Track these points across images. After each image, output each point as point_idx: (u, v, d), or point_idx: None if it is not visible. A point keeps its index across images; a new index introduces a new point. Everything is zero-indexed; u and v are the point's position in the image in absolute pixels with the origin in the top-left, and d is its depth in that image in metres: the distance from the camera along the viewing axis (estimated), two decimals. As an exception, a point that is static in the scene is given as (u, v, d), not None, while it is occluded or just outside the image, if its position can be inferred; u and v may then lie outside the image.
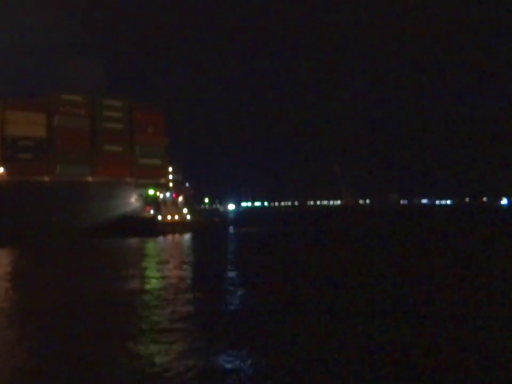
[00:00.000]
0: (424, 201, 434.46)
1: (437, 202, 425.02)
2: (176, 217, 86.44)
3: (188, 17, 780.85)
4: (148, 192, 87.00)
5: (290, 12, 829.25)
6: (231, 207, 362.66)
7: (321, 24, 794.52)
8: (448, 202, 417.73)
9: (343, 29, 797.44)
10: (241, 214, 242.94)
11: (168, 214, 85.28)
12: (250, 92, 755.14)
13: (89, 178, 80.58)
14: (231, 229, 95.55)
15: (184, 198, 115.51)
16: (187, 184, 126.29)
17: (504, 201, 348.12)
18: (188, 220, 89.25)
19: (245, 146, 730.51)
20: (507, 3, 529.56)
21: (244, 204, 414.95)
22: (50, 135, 77.72)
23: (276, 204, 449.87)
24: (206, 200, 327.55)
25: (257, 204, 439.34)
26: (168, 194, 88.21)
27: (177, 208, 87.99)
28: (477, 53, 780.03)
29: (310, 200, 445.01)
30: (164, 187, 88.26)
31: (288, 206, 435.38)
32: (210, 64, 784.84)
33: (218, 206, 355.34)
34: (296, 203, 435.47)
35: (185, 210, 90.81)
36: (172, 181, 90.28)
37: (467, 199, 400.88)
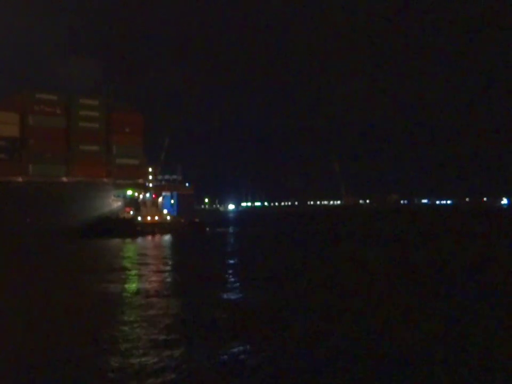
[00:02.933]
0: (424, 201, 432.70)
1: (437, 202, 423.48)
2: (156, 218, 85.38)
3: (188, 14, 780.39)
4: (126, 193, 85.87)
5: (290, 8, 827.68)
6: (231, 207, 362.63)
7: (322, 21, 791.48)
8: (448, 202, 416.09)
9: (343, 27, 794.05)
10: (237, 214, 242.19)
11: (148, 215, 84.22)
12: (250, 91, 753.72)
13: (64, 179, 79.25)
14: (209, 229, 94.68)
15: (185, 198, 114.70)
16: (187, 184, 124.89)
17: (504, 201, 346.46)
18: (168, 220, 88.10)
19: (245, 146, 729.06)
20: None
21: (244, 204, 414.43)
22: (24, 134, 76.37)
23: (276, 204, 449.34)
24: (206, 200, 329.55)
25: (257, 204, 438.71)
26: (148, 195, 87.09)
27: (157, 209, 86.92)
28: (477, 53, 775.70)
29: (310, 201, 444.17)
30: (142, 187, 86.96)
31: (288, 205, 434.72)
32: (209, 63, 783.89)
33: (218, 206, 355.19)
34: (296, 203, 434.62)
35: (165, 211, 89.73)
36: (151, 181, 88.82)
37: (467, 199, 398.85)
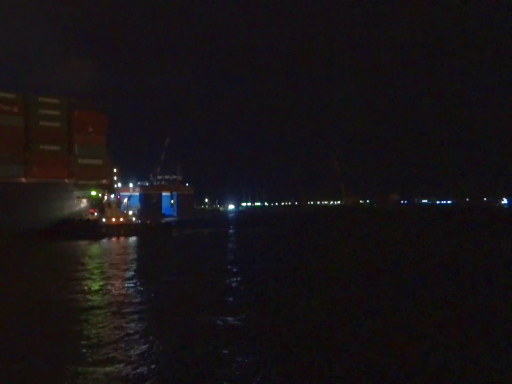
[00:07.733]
0: (424, 201, 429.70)
1: (437, 202, 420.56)
2: (121, 219, 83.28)
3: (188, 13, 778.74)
4: (89, 193, 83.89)
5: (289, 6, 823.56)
6: (231, 207, 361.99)
7: (322, 20, 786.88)
8: (449, 202, 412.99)
9: (343, 26, 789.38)
10: (236, 214, 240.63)
11: (113, 216, 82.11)
12: (251, 91, 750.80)
13: (23, 179, 77.16)
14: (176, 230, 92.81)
15: (185, 198, 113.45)
16: (187, 184, 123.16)
17: (504, 201, 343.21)
18: (133, 222, 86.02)
19: (245, 146, 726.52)
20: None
21: (244, 204, 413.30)
22: (-20, 133, 74.39)
23: (276, 204, 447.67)
24: (206, 200, 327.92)
25: (258, 204, 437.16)
26: (112, 196, 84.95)
27: (121, 210, 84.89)
28: (477, 52, 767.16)
29: (310, 201, 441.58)
30: (106, 188, 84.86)
31: (288, 205, 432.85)
32: (210, 63, 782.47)
33: (218, 206, 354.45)
34: (296, 203, 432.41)
35: (130, 212, 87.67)
36: (116, 181, 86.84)
37: (467, 199, 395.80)
